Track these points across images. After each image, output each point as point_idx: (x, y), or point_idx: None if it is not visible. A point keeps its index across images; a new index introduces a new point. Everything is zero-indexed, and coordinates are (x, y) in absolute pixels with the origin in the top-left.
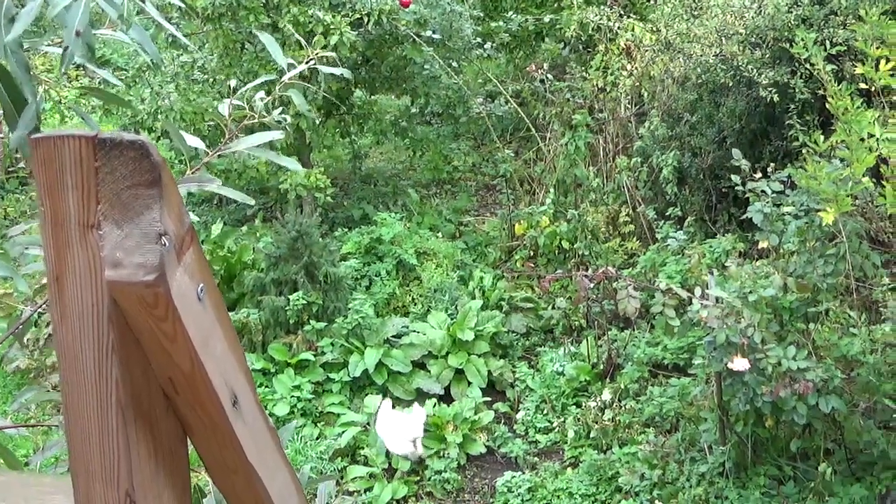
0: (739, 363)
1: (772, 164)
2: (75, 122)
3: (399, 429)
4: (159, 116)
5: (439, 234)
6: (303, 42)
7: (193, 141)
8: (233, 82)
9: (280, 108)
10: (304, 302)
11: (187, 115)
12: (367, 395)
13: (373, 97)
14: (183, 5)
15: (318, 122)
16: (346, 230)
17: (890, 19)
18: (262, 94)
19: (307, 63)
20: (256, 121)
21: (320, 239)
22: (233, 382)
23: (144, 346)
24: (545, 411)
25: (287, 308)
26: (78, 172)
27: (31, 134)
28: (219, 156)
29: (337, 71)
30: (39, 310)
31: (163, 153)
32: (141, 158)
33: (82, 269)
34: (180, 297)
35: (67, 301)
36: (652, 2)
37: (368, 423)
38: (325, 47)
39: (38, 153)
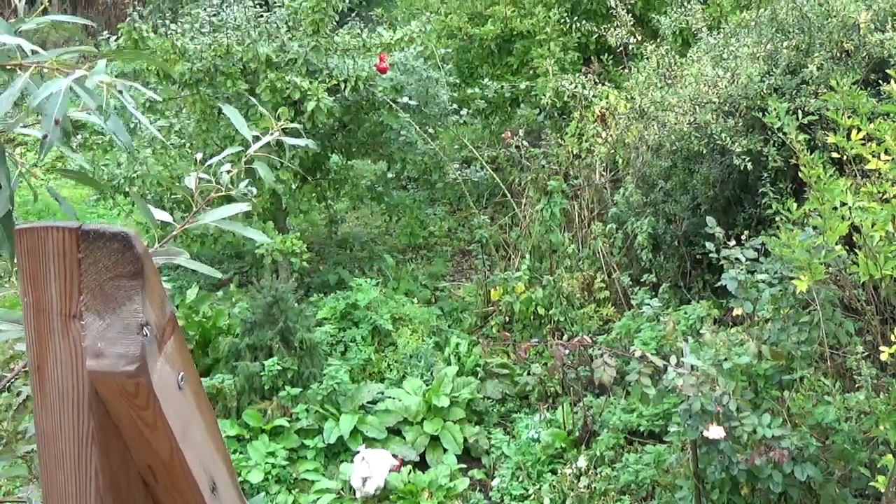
0: (715, 431)
1: (746, 231)
2: (45, 201)
3: (363, 465)
4: (136, 181)
5: (415, 300)
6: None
7: (160, 214)
8: (199, 155)
9: (247, 181)
10: (280, 368)
11: (164, 179)
12: (342, 461)
13: (349, 162)
14: (159, 99)
15: (294, 187)
16: (321, 295)
17: (861, 89)
18: (227, 166)
19: (272, 135)
20: (223, 193)
21: (296, 304)
22: (211, 468)
23: (124, 434)
24: (521, 478)
25: (262, 374)
26: (61, 264)
27: (4, 218)
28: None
29: (301, 142)
30: (11, 379)
31: (138, 216)
32: (124, 250)
33: (64, 358)
34: (161, 387)
35: (48, 389)
36: (626, 70)
37: (343, 490)
38: (302, 113)
39: (21, 244)
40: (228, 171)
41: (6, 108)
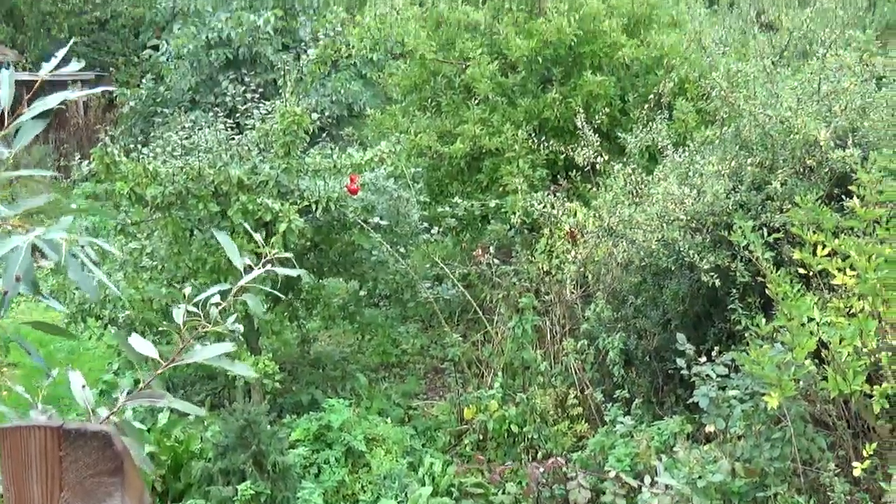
0: None
1: (716, 347)
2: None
3: None
4: (107, 305)
5: (388, 419)
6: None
7: (144, 347)
8: (188, 289)
9: (234, 315)
10: (252, 492)
11: (136, 303)
12: None
13: (321, 281)
14: (118, 254)
15: (266, 307)
16: (294, 416)
17: (824, 204)
18: (216, 298)
19: (264, 264)
20: (210, 329)
21: (269, 427)
22: None
23: None
24: None
25: (235, 499)
26: (43, 462)
27: None
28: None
29: (294, 272)
30: None
31: (109, 339)
32: (104, 448)
33: None
34: None
35: None
36: (594, 187)
37: None
38: (273, 234)
39: (5, 445)
40: (217, 305)
41: None
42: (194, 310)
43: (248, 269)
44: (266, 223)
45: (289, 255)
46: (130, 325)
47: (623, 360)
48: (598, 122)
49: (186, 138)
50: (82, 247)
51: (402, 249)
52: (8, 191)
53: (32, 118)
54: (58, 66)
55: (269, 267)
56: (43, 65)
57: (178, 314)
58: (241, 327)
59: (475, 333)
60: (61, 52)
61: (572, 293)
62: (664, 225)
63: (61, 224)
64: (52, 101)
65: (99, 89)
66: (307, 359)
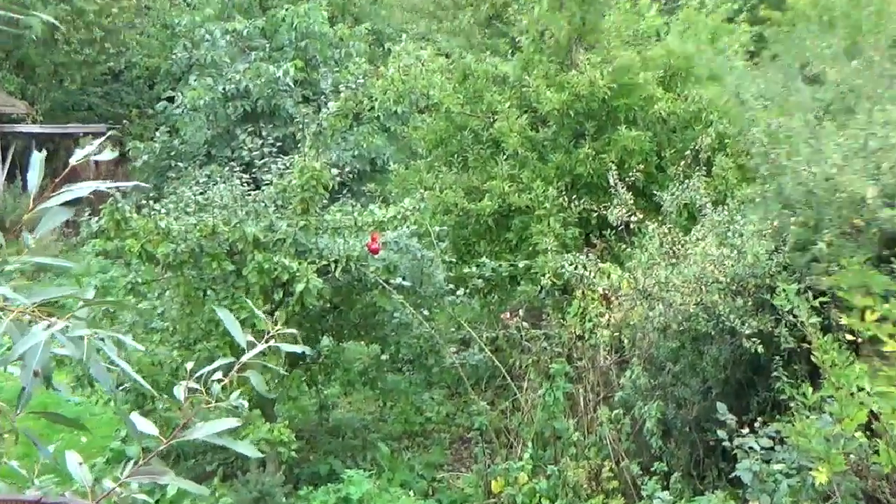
0: None
1: (760, 417)
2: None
3: None
4: (115, 369)
5: (411, 492)
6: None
7: (144, 425)
8: (189, 364)
9: (238, 392)
10: None
11: (145, 366)
12: None
13: (341, 345)
14: (141, 349)
15: (282, 372)
16: (311, 488)
17: (873, 266)
18: (219, 374)
19: (267, 340)
20: (213, 405)
21: (284, 499)
22: None
23: None
24: None
25: None
26: None
27: None
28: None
29: (297, 349)
30: None
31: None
32: None
33: None
34: None
35: None
36: (629, 247)
37: None
38: (290, 295)
39: None
40: (219, 381)
41: None
42: (196, 386)
43: (252, 344)
44: (283, 283)
45: (294, 331)
46: (136, 391)
47: (661, 430)
48: (633, 178)
49: (201, 193)
50: (102, 339)
51: (426, 312)
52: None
53: (59, 205)
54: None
55: (272, 343)
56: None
57: (179, 390)
58: (245, 403)
59: (503, 401)
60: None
61: (606, 359)
62: (703, 287)
63: (80, 315)
64: (80, 189)
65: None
66: (325, 426)
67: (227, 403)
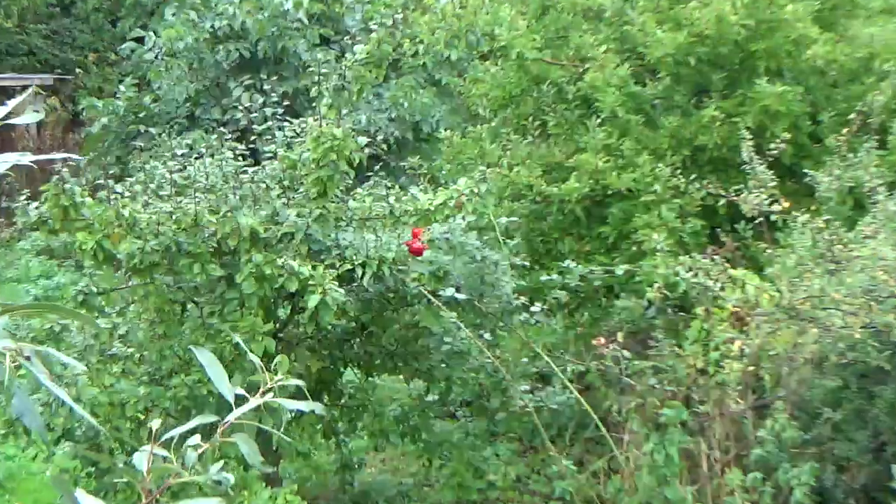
0: None
1: None
2: None
3: None
4: (59, 412)
5: None
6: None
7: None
8: (155, 423)
9: (221, 463)
10: None
11: (101, 407)
12: None
13: (371, 380)
14: (80, 368)
15: (289, 417)
16: None
17: None
18: (196, 438)
19: (263, 393)
20: (188, 479)
21: None
22: None
23: None
24: None
25: None
26: None
27: None
28: None
29: (303, 406)
30: None
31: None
32: None
33: None
34: None
35: None
36: (769, 249)
37: None
38: (301, 311)
39: None
40: (196, 447)
41: None
42: (163, 453)
43: (242, 400)
44: (291, 295)
45: (300, 382)
46: (93, 441)
47: (816, 502)
48: (777, 151)
49: (179, 170)
50: (28, 358)
51: (488, 335)
52: None
53: None
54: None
55: (269, 398)
56: None
57: (141, 459)
58: (230, 477)
59: (596, 459)
60: None
61: (739, 402)
62: (873, 304)
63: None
64: None
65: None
66: (350, 493)
67: (205, 478)
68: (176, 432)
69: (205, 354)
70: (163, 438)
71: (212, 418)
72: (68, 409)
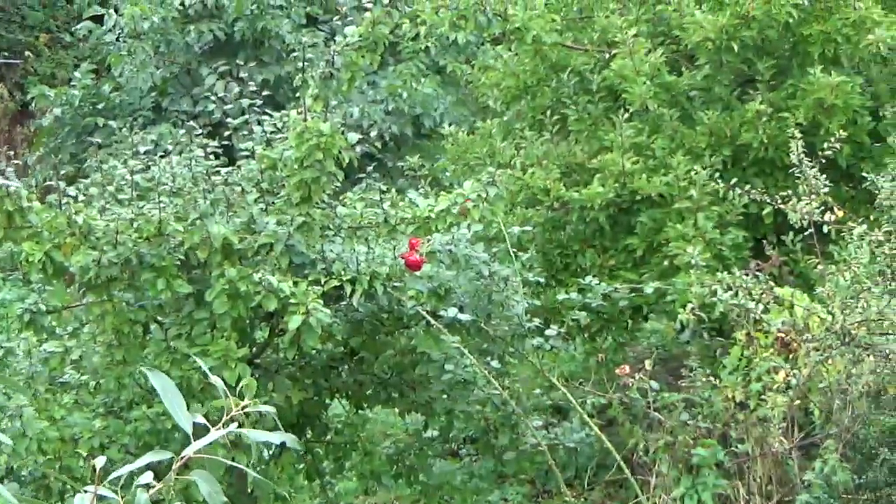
0: None
1: None
2: None
3: None
4: (2, 447)
5: None
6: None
7: None
8: (99, 460)
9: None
10: None
11: (50, 443)
12: None
13: (360, 413)
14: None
15: (266, 456)
16: None
17: None
18: (148, 476)
19: (226, 425)
20: None
21: None
22: None
23: None
24: None
25: None
26: None
27: None
28: None
29: (274, 438)
30: None
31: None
32: None
33: None
34: None
35: None
36: (821, 265)
37: None
38: (280, 334)
39: None
40: (149, 488)
41: None
42: (110, 494)
43: (203, 430)
44: (269, 315)
45: (270, 408)
46: (40, 482)
47: None
48: (831, 151)
49: (142, 171)
50: None
51: (496, 363)
52: None
53: None
54: None
55: (232, 428)
56: None
57: (84, 501)
58: None
59: None
60: None
61: (783, 441)
62: None
63: None
64: None
65: None
66: None
67: None
68: (125, 470)
69: (159, 378)
70: (111, 477)
71: (168, 455)
72: (13, 445)
